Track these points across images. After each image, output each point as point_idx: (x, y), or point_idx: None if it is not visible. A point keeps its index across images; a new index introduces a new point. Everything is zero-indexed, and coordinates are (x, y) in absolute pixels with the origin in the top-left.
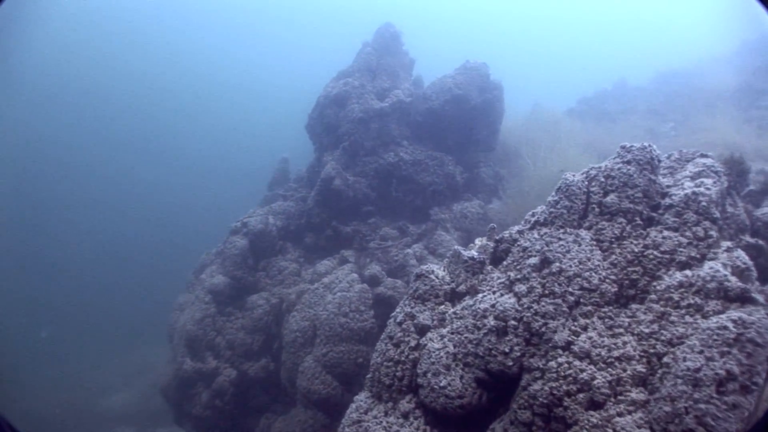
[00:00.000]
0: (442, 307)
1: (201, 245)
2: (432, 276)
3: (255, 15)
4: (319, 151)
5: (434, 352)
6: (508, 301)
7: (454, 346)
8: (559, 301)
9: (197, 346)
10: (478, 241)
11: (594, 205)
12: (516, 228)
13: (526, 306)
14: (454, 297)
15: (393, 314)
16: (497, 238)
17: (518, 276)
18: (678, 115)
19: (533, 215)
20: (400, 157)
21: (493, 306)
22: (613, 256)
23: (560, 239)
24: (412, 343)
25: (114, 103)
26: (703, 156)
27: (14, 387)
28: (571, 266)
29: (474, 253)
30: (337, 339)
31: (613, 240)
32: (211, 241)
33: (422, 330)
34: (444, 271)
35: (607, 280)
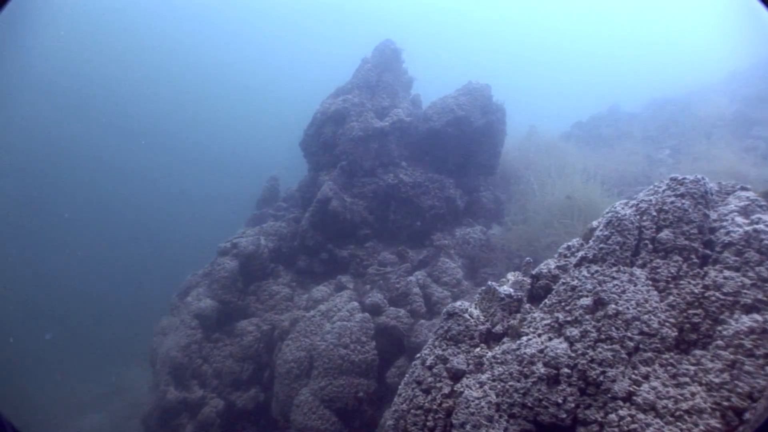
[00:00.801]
0: (478, 349)
1: (185, 265)
2: (466, 315)
3: (242, 23)
4: (314, 170)
5: (473, 401)
6: (560, 346)
7: (497, 395)
8: (617, 346)
9: (182, 374)
10: (510, 276)
11: (647, 241)
12: (553, 263)
13: (580, 352)
14: (489, 338)
15: (419, 356)
16: (534, 273)
17: (568, 318)
18: (674, 142)
19: (570, 249)
20: (400, 179)
21: (541, 351)
22: (671, 297)
23: (614, 278)
24: (445, 390)
25: (103, 115)
26: (744, 189)
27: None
28: (628, 308)
29: (510, 289)
30: (336, 371)
31: (669, 279)
32: (195, 261)
33: (456, 375)
34: (476, 308)
35: (667, 324)
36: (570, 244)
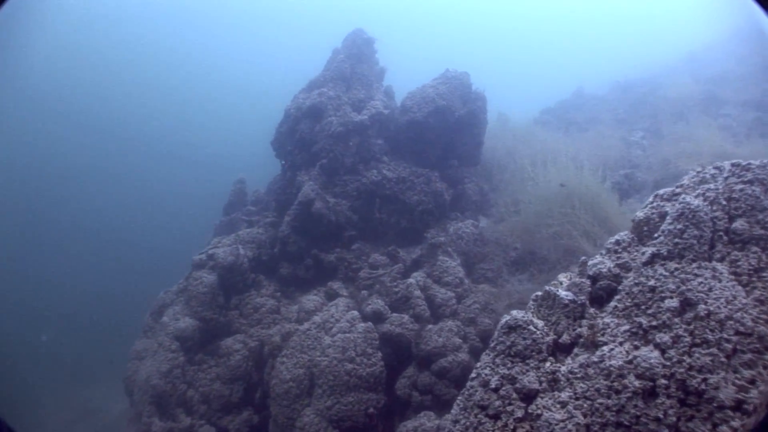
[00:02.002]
0: (548, 364)
1: (153, 281)
2: (531, 327)
3: (200, 15)
4: (291, 170)
5: (557, 424)
6: (651, 355)
7: (585, 415)
8: (715, 350)
9: (166, 403)
10: (563, 278)
11: (721, 233)
12: (608, 261)
13: (675, 360)
14: (555, 350)
15: (476, 376)
16: (591, 274)
17: (654, 323)
18: (646, 124)
19: (620, 244)
20: (384, 174)
21: (630, 362)
22: (757, 292)
23: (697, 275)
24: (518, 413)
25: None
26: None
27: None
28: (719, 307)
29: (570, 294)
30: (344, 388)
31: (751, 273)
32: (164, 275)
33: (528, 395)
34: (536, 318)
35: (761, 321)
36: (618, 238)
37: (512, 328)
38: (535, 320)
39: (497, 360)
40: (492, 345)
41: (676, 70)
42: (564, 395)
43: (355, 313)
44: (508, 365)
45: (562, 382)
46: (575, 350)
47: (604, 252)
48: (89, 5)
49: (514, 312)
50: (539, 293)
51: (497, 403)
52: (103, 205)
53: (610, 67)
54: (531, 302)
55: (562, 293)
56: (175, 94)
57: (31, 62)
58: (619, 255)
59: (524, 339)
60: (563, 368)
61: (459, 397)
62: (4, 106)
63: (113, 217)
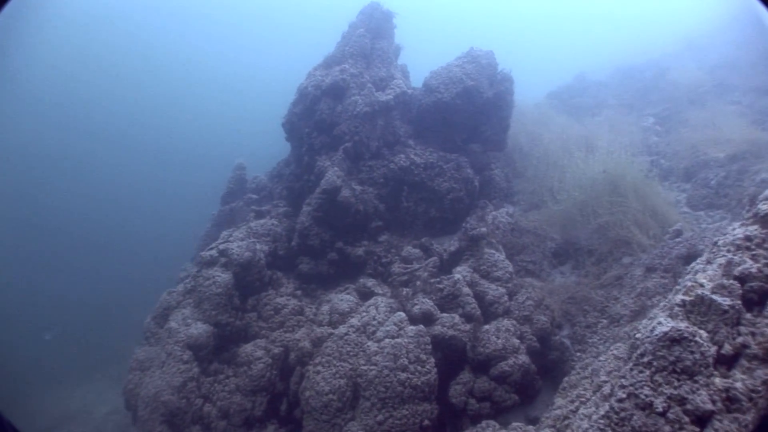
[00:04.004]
0: (717, 380)
1: (149, 278)
2: (698, 339)
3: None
4: (308, 155)
5: None
6: None
7: None
8: None
9: (180, 421)
10: (702, 279)
11: None
12: (749, 260)
13: None
14: (717, 363)
15: (630, 398)
16: (738, 274)
17: None
18: (655, 109)
19: (751, 240)
20: (412, 159)
21: None
22: None
23: None
24: None
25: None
26: None
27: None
28: None
29: (728, 299)
30: (397, 400)
31: None
32: (160, 271)
33: (702, 418)
34: (694, 326)
35: None
36: (748, 233)
37: (675, 340)
38: (700, 331)
39: (658, 377)
40: (645, 360)
41: (677, 56)
42: (749, 417)
43: (402, 314)
44: (675, 384)
45: (743, 402)
46: (743, 362)
47: (731, 248)
48: (78, 4)
49: (677, 323)
50: (687, 297)
51: (666, 429)
52: (87, 202)
53: (607, 52)
54: (677, 308)
55: (720, 299)
56: (158, 86)
57: (17, 63)
58: (752, 252)
59: (692, 353)
60: (738, 385)
61: (587, 423)
62: None
63: (99, 215)
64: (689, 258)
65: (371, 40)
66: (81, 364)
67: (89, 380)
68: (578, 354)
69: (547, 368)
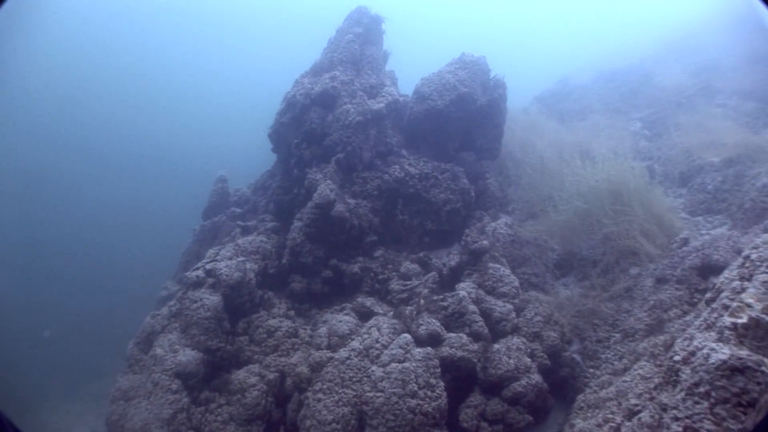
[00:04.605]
0: None
1: (125, 292)
2: (765, 368)
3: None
4: (298, 167)
5: None
6: None
7: None
8: None
9: None
10: (750, 299)
11: None
12: None
13: None
14: None
15: (690, 430)
16: None
17: None
18: (642, 114)
19: None
20: (406, 170)
21: None
22: None
23: None
24: None
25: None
26: None
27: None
28: None
29: None
30: (407, 429)
31: None
32: (139, 288)
33: None
34: (739, 350)
35: None
36: None
37: (737, 369)
38: (765, 359)
39: (720, 410)
40: (701, 390)
41: (656, 60)
42: None
43: (408, 336)
44: (741, 418)
45: None
46: None
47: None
48: (55, 17)
49: (724, 346)
50: (738, 320)
51: None
52: (56, 216)
53: (587, 56)
54: (727, 331)
55: None
56: (132, 100)
57: None
58: None
59: (758, 384)
60: None
61: None
62: None
63: (73, 228)
64: (703, 269)
65: (360, 46)
66: (60, 380)
67: (69, 399)
68: (591, 370)
69: (558, 385)
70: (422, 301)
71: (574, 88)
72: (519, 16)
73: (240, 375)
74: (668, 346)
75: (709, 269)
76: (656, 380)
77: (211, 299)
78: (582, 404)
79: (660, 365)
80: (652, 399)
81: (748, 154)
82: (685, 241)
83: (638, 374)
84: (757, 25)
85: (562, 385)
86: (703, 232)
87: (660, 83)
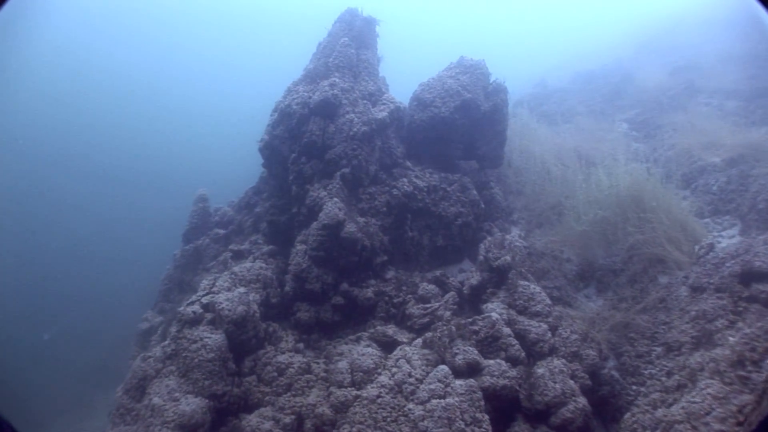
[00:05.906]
0: None
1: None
2: None
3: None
4: (297, 183)
5: None
6: None
7: None
8: None
9: None
10: None
11: None
12: None
13: None
14: None
15: None
16: None
17: None
18: (626, 115)
19: None
20: (415, 183)
21: None
22: None
23: None
24: None
25: None
26: None
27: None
28: None
29: None
30: None
31: None
32: (115, 317)
33: None
34: None
35: None
36: None
37: None
38: None
39: None
40: None
41: (634, 59)
42: None
43: (445, 368)
44: None
45: None
46: None
47: None
48: (35, 33)
49: None
50: None
51: None
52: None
53: (560, 57)
54: None
55: None
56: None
57: None
58: None
59: None
60: None
61: None
62: None
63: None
64: (744, 276)
65: (356, 50)
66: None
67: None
68: (633, 387)
69: (597, 404)
70: (454, 328)
71: (554, 91)
72: (491, 20)
73: (252, 421)
74: (734, 363)
75: (752, 276)
76: (737, 402)
77: (213, 338)
78: (635, 426)
79: (730, 383)
80: (740, 424)
81: (749, 154)
82: (711, 247)
83: (708, 394)
84: (730, 23)
85: (601, 404)
86: (714, 234)
87: (641, 83)
